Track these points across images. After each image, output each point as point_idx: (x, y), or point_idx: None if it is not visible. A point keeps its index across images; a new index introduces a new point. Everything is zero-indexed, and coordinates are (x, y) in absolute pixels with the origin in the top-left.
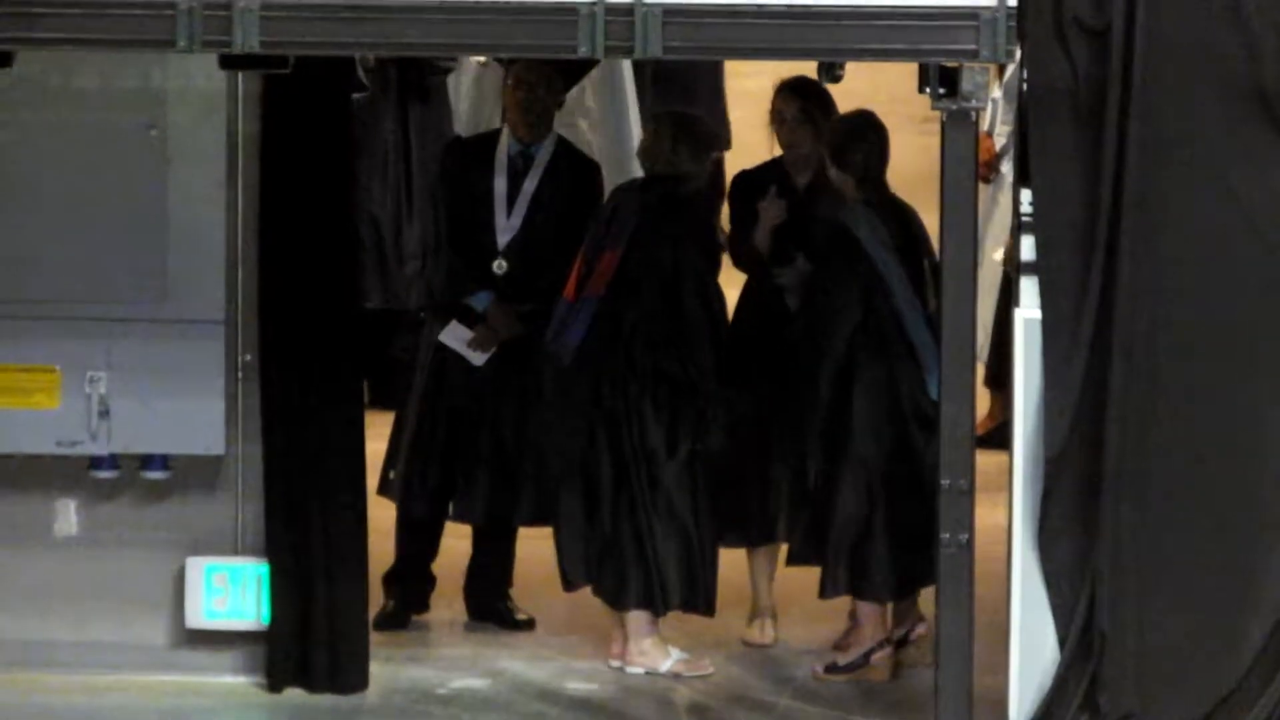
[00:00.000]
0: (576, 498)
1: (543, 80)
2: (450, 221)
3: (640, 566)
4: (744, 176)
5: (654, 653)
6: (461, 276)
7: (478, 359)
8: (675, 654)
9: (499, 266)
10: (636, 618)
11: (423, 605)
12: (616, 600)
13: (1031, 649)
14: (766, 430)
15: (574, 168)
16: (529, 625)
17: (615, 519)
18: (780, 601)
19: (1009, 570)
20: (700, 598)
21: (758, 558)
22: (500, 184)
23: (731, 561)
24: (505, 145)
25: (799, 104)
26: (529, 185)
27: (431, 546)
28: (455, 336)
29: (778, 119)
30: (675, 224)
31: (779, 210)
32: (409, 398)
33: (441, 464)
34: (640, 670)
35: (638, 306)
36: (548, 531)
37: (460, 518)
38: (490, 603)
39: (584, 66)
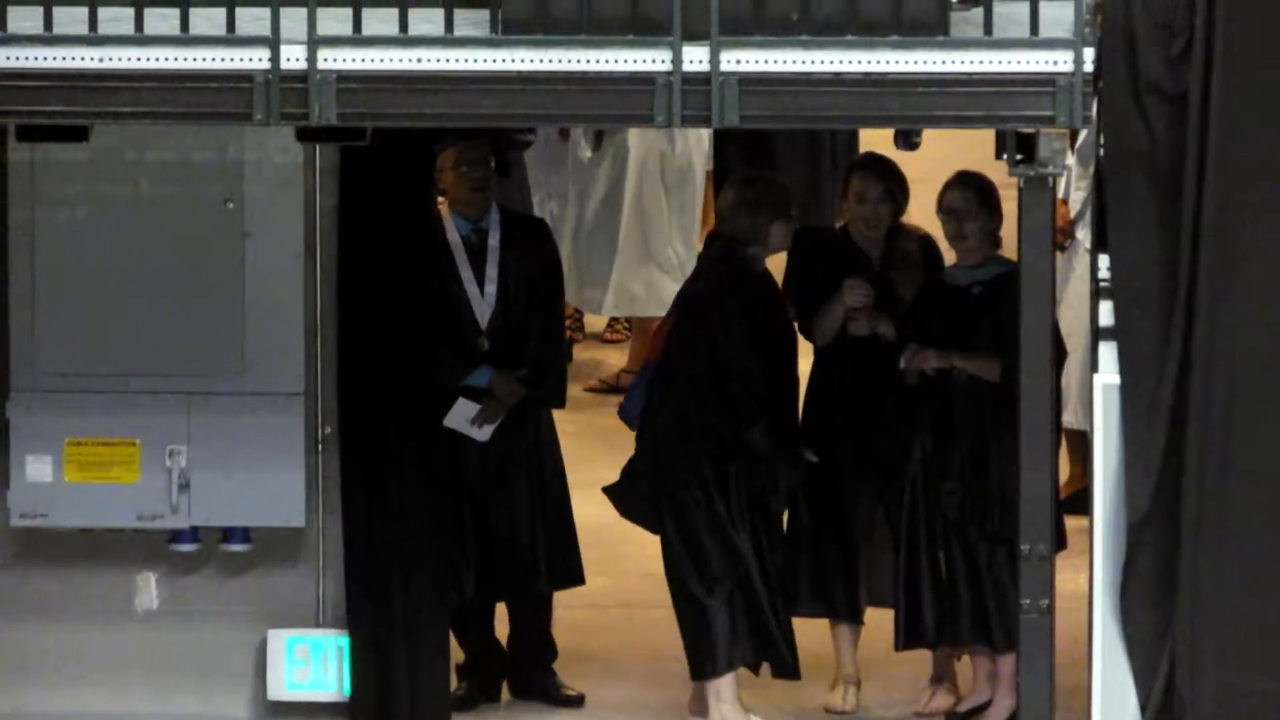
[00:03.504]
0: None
1: (487, 156)
2: (423, 315)
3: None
4: (808, 237)
5: (732, 716)
6: (449, 364)
7: (483, 435)
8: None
9: (483, 344)
10: (721, 681)
11: (495, 693)
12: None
13: (1113, 714)
14: (850, 499)
15: (525, 229)
16: (578, 702)
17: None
18: (863, 667)
19: (1090, 635)
20: (773, 658)
21: (840, 624)
22: (464, 267)
23: (814, 629)
24: (453, 227)
25: (883, 185)
26: (492, 259)
27: (491, 631)
28: (462, 416)
29: (857, 198)
30: (734, 293)
31: (865, 295)
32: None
33: (477, 548)
34: None
35: (693, 375)
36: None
37: (490, 596)
38: (536, 680)
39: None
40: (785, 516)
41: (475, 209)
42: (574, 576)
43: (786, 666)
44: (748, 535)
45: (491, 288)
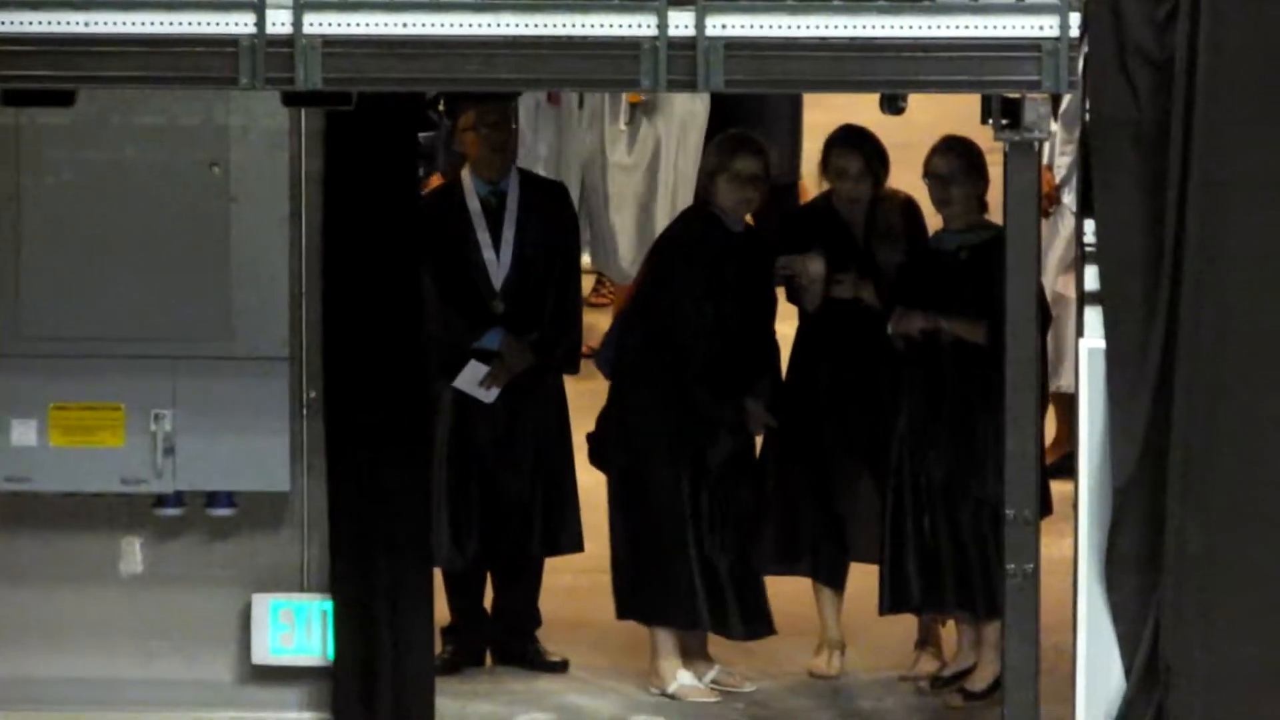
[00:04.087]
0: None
1: (507, 118)
2: (439, 276)
3: (666, 585)
4: (793, 221)
5: (665, 674)
6: (458, 325)
7: (489, 397)
8: (684, 677)
9: (498, 306)
10: (656, 636)
11: (479, 659)
12: (645, 616)
13: (1097, 679)
14: (835, 463)
15: (544, 193)
16: (562, 667)
17: (652, 541)
18: (847, 631)
19: (1075, 600)
20: (731, 621)
21: (824, 588)
22: (481, 229)
23: (798, 592)
24: (471, 189)
25: (861, 158)
26: (509, 221)
27: (481, 596)
28: (471, 378)
29: (837, 173)
30: (685, 245)
31: (821, 271)
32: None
33: (480, 512)
34: (657, 692)
35: (673, 332)
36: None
37: (487, 561)
38: (519, 646)
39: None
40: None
41: (494, 171)
42: (573, 543)
43: (719, 627)
44: (706, 493)
45: (508, 251)
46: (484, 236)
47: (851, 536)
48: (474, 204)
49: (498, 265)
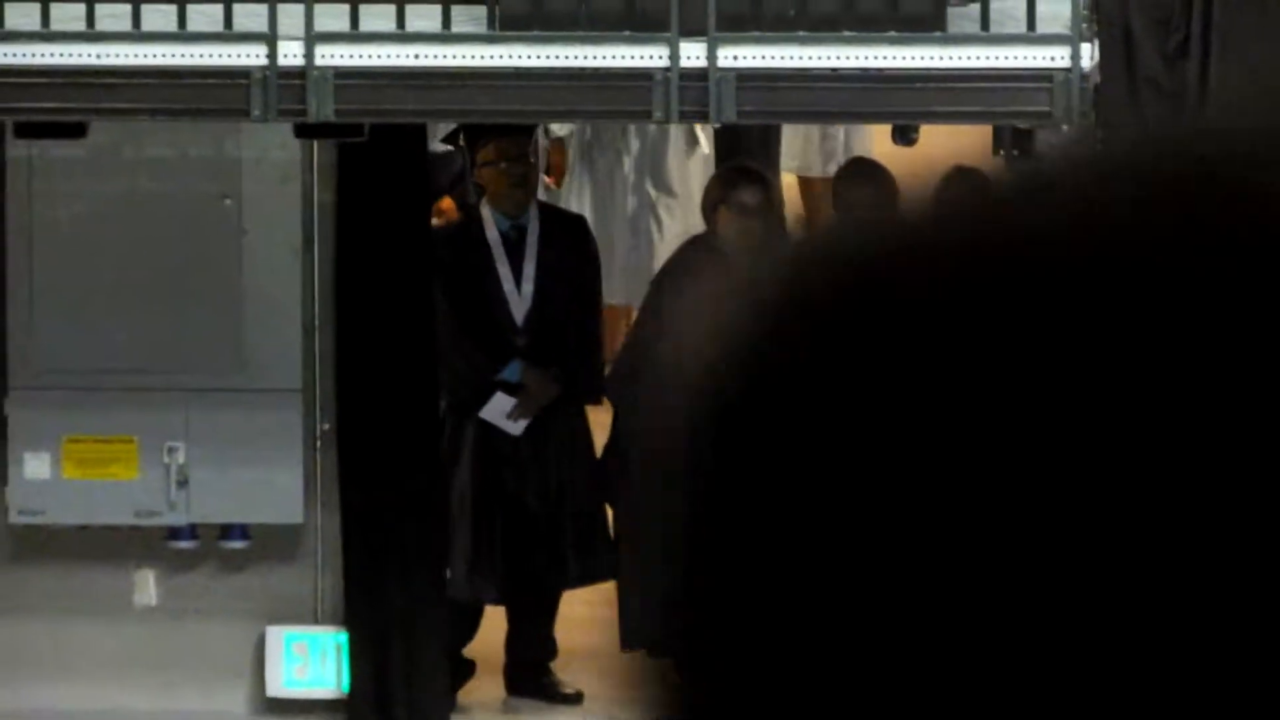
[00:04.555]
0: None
1: (525, 152)
2: (460, 310)
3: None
4: None
5: None
6: (480, 359)
7: (516, 429)
8: None
9: (519, 340)
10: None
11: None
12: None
13: None
14: None
15: (564, 226)
16: (577, 699)
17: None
18: None
19: None
20: None
21: None
22: (502, 263)
23: None
24: (491, 223)
25: (870, 191)
26: (530, 255)
27: (471, 632)
28: (498, 410)
29: (845, 206)
30: (676, 274)
31: None
32: (450, 493)
33: (504, 545)
34: None
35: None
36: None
37: (510, 595)
38: (534, 678)
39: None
40: None
41: (514, 205)
42: (607, 570)
43: None
44: None
45: (529, 284)
46: (505, 270)
47: None
48: (494, 237)
49: (519, 299)
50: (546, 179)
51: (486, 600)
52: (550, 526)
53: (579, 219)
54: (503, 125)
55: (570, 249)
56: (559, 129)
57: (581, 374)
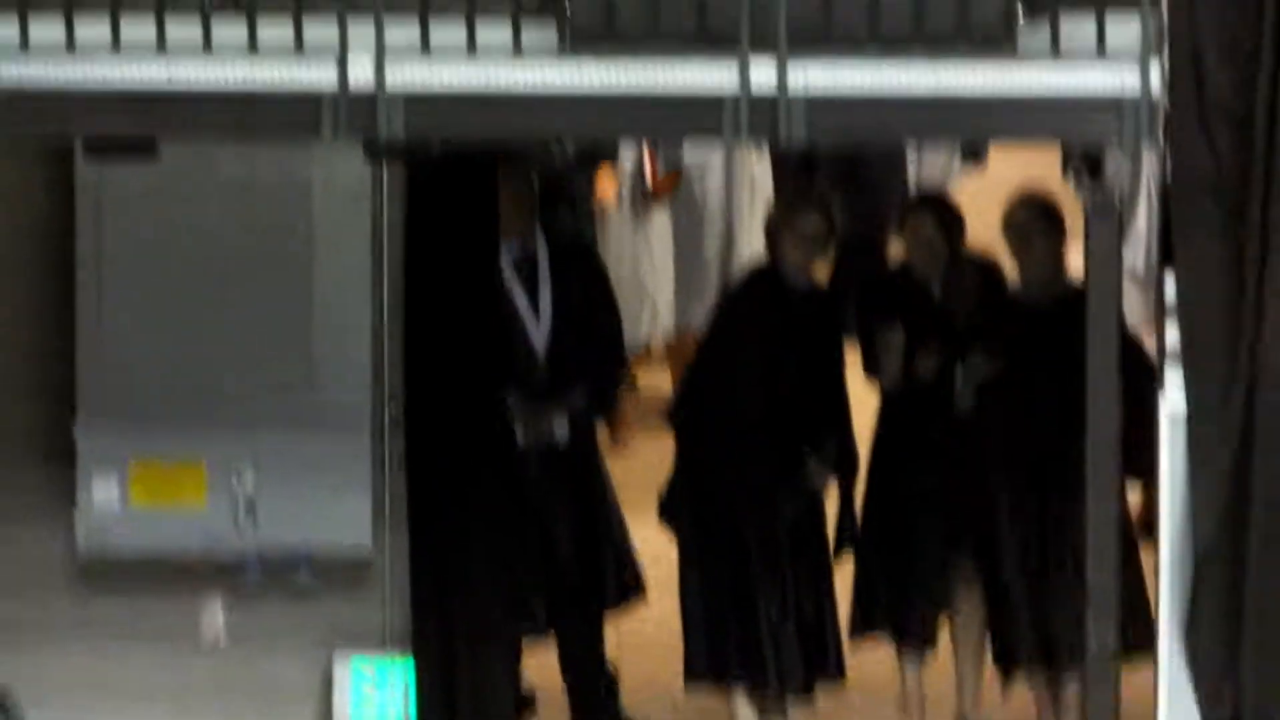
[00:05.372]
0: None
1: (531, 179)
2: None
3: (736, 644)
4: (873, 283)
5: None
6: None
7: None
8: None
9: (542, 373)
10: (733, 700)
11: None
12: (717, 677)
13: None
14: (921, 536)
15: (571, 249)
16: None
17: (721, 600)
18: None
19: (1155, 667)
20: (799, 679)
21: (907, 649)
22: (517, 291)
23: (880, 657)
24: (503, 251)
25: (938, 224)
26: (544, 282)
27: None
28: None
29: (914, 236)
30: (739, 301)
31: (900, 342)
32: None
33: (540, 571)
34: None
35: (733, 389)
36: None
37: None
38: (599, 708)
39: None
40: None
41: (520, 228)
42: (636, 584)
43: (788, 686)
44: (772, 550)
45: (546, 311)
46: (521, 300)
47: (934, 601)
48: (507, 268)
49: (537, 328)
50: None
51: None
52: (578, 549)
53: (585, 245)
54: (506, 152)
55: (581, 273)
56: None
57: (605, 391)
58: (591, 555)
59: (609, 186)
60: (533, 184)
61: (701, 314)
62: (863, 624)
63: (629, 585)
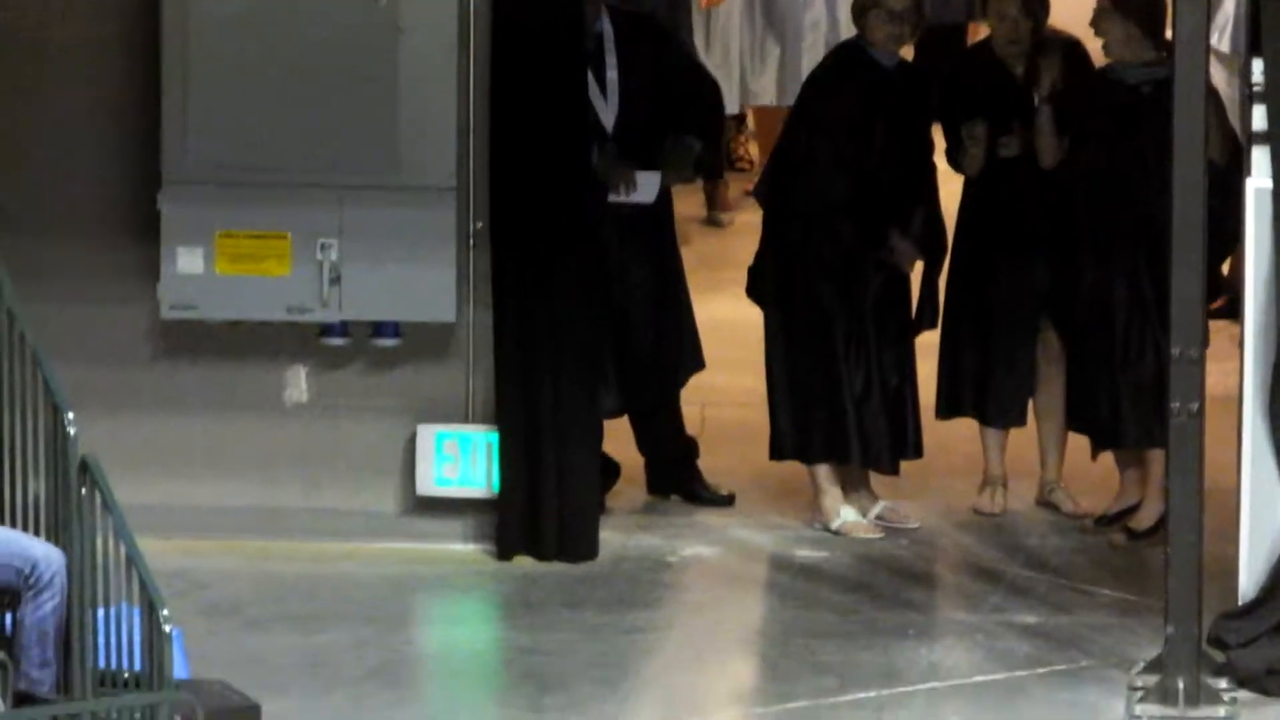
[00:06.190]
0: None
1: None
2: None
3: (822, 421)
4: (956, 65)
5: (828, 510)
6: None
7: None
8: (848, 513)
9: (611, 149)
10: (817, 472)
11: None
12: (802, 454)
13: (1262, 519)
14: (1006, 315)
15: (637, 25)
16: (729, 501)
17: (806, 376)
18: (1011, 470)
19: (1239, 439)
20: (884, 456)
21: (989, 428)
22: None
23: (961, 429)
24: None
25: (1020, 2)
26: (610, 63)
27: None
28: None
29: (997, 16)
30: (831, 77)
31: (982, 134)
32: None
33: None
34: (821, 528)
35: (820, 165)
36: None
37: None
38: (679, 477)
39: None
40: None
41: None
42: (696, 363)
43: (869, 462)
44: (858, 328)
45: (614, 92)
46: (590, 82)
47: (1019, 377)
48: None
49: (605, 109)
50: None
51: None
52: (649, 332)
53: (649, 16)
54: None
55: (648, 48)
56: None
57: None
58: (666, 330)
59: None
60: None
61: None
62: (948, 407)
63: (693, 362)
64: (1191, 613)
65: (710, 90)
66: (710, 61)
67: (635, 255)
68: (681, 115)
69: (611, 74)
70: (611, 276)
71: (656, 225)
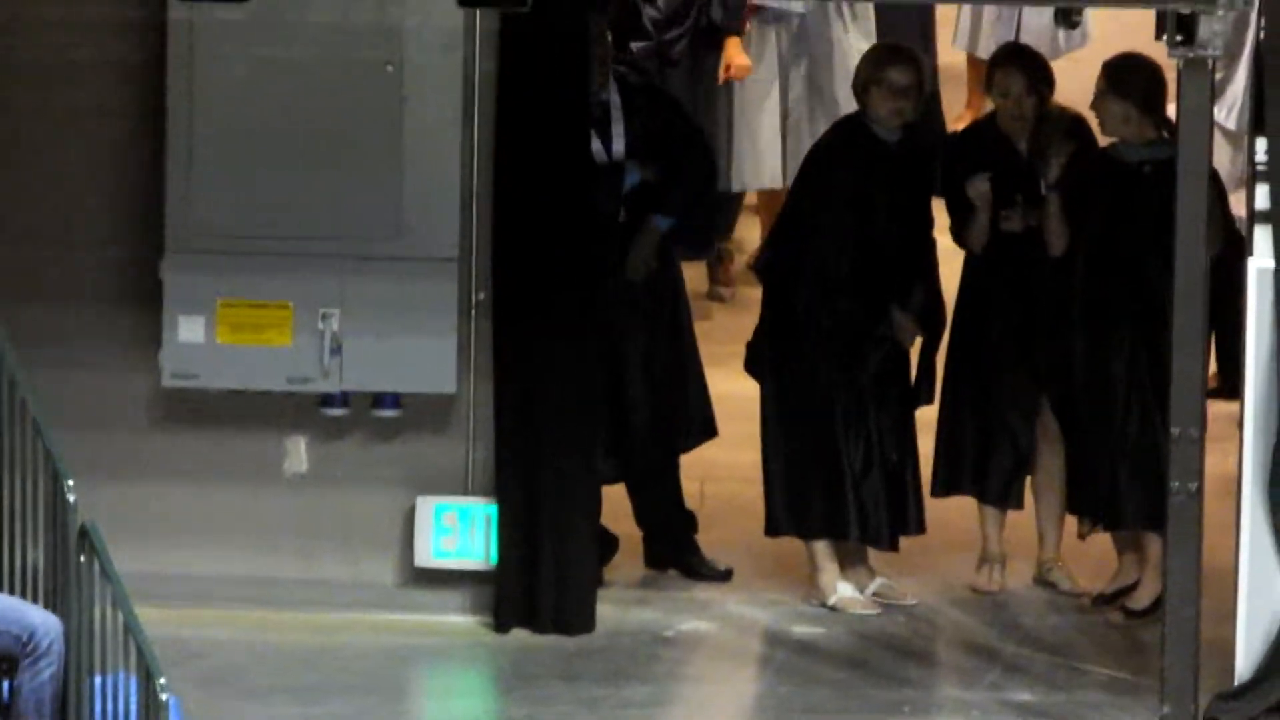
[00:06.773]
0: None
1: (605, 31)
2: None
3: (818, 497)
4: (960, 139)
5: (825, 586)
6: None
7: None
8: (844, 589)
9: (621, 215)
10: (814, 548)
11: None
12: (799, 530)
13: (1259, 599)
14: (1007, 393)
15: (642, 94)
16: (726, 576)
17: (804, 452)
18: (1009, 548)
19: (1237, 519)
20: (881, 532)
21: (988, 506)
22: (595, 143)
23: (960, 505)
24: None
25: (1025, 77)
26: (617, 132)
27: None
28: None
29: (1001, 92)
30: (828, 151)
31: (987, 192)
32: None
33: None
34: (817, 604)
35: (820, 239)
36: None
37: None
38: (677, 552)
39: None
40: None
41: (603, 78)
42: (707, 430)
43: (868, 538)
44: (856, 404)
45: (619, 154)
46: (595, 145)
47: (1018, 457)
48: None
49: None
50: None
51: (607, 478)
52: (652, 395)
53: (654, 86)
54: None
55: (653, 115)
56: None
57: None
58: (669, 398)
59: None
60: (606, 34)
61: (792, 169)
62: (946, 484)
63: (703, 429)
64: (1188, 692)
65: (697, 160)
66: (737, 138)
67: (645, 321)
68: (659, 192)
69: (618, 145)
70: (615, 347)
71: (670, 291)
